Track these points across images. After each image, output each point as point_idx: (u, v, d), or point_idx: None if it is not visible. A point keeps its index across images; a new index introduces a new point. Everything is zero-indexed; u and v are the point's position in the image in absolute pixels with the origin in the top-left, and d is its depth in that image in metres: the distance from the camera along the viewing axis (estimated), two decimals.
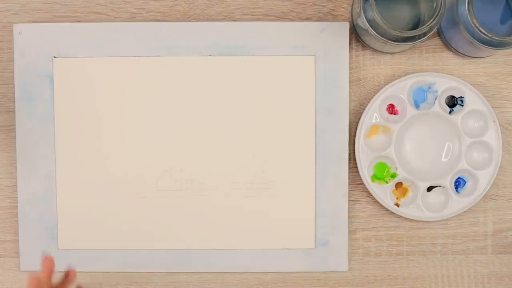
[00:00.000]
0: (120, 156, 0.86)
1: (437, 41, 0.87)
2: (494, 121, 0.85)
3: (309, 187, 0.85)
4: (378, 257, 0.87)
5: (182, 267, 0.86)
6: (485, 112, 0.85)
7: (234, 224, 0.86)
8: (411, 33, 0.77)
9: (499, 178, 0.87)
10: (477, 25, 0.76)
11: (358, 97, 0.87)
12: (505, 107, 0.87)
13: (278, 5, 0.87)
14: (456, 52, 0.86)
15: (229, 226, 0.86)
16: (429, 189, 0.86)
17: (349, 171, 0.86)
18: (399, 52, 0.86)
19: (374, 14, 0.75)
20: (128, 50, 0.85)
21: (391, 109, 0.86)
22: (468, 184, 0.86)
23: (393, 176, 0.85)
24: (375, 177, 0.85)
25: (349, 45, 0.86)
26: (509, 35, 0.77)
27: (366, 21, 0.77)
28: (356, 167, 0.85)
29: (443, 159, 0.86)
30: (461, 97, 0.85)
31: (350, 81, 0.86)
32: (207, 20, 0.87)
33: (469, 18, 0.76)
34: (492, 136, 0.85)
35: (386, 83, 0.86)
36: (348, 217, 0.86)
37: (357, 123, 0.85)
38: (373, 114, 0.85)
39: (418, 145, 0.86)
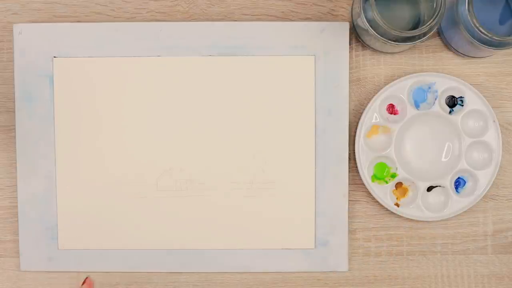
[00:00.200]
0: (120, 156, 0.86)
1: (437, 41, 0.87)
2: (494, 121, 0.85)
3: (309, 187, 0.85)
4: (378, 257, 0.87)
5: (182, 267, 0.86)
6: (485, 112, 0.85)
7: (234, 224, 0.86)
8: (411, 33, 0.77)
9: (499, 178, 0.87)
10: (477, 25, 0.76)
11: (358, 97, 0.87)
12: (505, 107, 0.87)
13: (278, 5, 0.87)
14: (456, 52, 0.86)
15: (229, 226, 0.86)
16: (429, 189, 0.86)
17: (349, 171, 0.86)
18: (399, 52, 0.86)
19: (374, 14, 0.75)
20: (128, 50, 0.85)
21: (391, 109, 0.86)
22: (468, 184, 0.86)
23: (393, 176, 0.85)
24: (375, 177, 0.85)
25: (349, 45, 0.86)
26: (509, 35, 0.77)
27: (366, 21, 0.77)
28: (356, 167, 0.85)
29: (443, 159, 0.86)
30: (461, 97, 0.85)
31: (350, 81, 0.86)
32: (207, 20, 0.87)
33: (469, 18, 0.76)
34: (492, 136, 0.85)
35: (386, 83, 0.86)
36: (348, 217, 0.86)
37: (357, 123, 0.85)
38: (373, 114, 0.85)
39: (418, 145, 0.86)
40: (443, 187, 0.85)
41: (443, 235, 0.87)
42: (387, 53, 0.86)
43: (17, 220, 0.86)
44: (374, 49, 0.86)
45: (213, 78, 0.85)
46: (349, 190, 0.86)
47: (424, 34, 0.78)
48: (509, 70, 0.87)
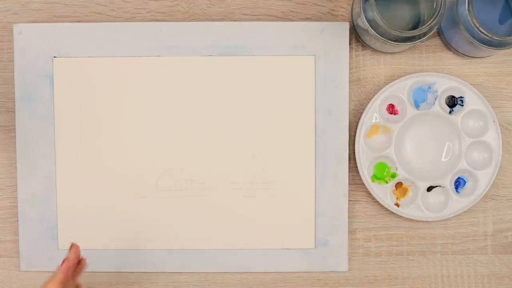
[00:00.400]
0: (120, 156, 0.86)
1: (437, 41, 0.87)
2: (494, 121, 0.85)
3: (309, 187, 0.85)
4: (378, 257, 0.87)
5: (182, 267, 0.86)
6: (485, 112, 0.85)
7: (234, 224, 0.86)
8: (411, 33, 0.77)
9: (499, 178, 0.87)
10: (477, 25, 0.76)
11: (358, 97, 0.87)
12: (505, 107, 0.87)
13: (278, 5, 0.87)
14: (456, 52, 0.86)
15: (229, 226, 0.86)
16: (429, 189, 0.86)
17: (349, 171, 0.86)
18: (399, 52, 0.86)
19: (374, 14, 0.75)
20: (128, 50, 0.85)
21: (391, 109, 0.86)
22: (468, 184, 0.86)
23: (393, 176, 0.85)
24: (375, 177, 0.85)
25: (349, 45, 0.86)
26: (509, 35, 0.77)
27: (366, 21, 0.77)
28: (356, 167, 0.85)
29: (443, 159, 0.86)
30: (461, 97, 0.85)
31: (350, 81, 0.86)
32: (207, 20, 0.87)
33: (469, 18, 0.76)
34: (492, 136, 0.85)
35: (386, 83, 0.86)
36: (348, 217, 0.86)
37: (357, 123, 0.85)
38: (373, 114, 0.85)
39: (418, 145, 0.86)
40: (443, 187, 0.85)
41: (443, 235, 0.87)
42: (387, 53, 0.86)
43: (17, 220, 0.86)
44: (374, 49, 0.86)
45: (213, 78, 0.85)
46: (349, 190, 0.86)
47: (424, 34, 0.78)
48: (509, 70, 0.87)
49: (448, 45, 0.86)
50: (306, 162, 0.85)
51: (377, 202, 0.86)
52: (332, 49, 0.85)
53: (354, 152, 0.85)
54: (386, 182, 0.85)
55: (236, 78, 0.85)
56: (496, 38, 0.76)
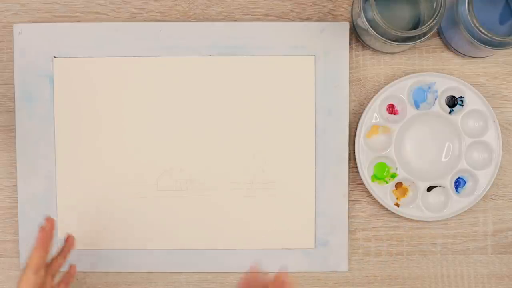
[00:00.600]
0: (120, 156, 0.86)
1: (437, 41, 0.87)
2: (494, 121, 0.85)
3: (309, 187, 0.85)
4: (378, 257, 0.87)
5: (182, 267, 0.86)
6: (485, 112, 0.85)
7: (234, 224, 0.86)
8: (411, 33, 0.77)
9: (499, 178, 0.87)
10: (477, 25, 0.76)
11: (358, 97, 0.87)
12: (505, 107, 0.87)
13: (278, 5, 0.87)
14: (456, 52, 0.86)
15: (229, 226, 0.86)
16: (429, 189, 0.86)
17: (349, 171, 0.86)
18: (399, 52, 0.86)
19: (374, 14, 0.75)
20: (128, 50, 0.85)
21: (391, 109, 0.86)
22: (468, 184, 0.86)
23: (393, 176, 0.85)
24: (375, 177, 0.85)
25: (349, 45, 0.86)
26: (509, 35, 0.77)
27: (366, 21, 0.77)
28: (356, 167, 0.85)
29: (443, 159, 0.86)
30: (461, 97, 0.85)
31: (350, 81, 0.86)
32: (207, 20, 0.87)
33: (469, 18, 0.76)
34: (492, 136, 0.85)
35: (386, 83, 0.86)
36: (348, 217, 0.86)
37: (357, 123, 0.85)
38: (373, 114, 0.85)
39: (418, 145, 0.86)
40: (443, 187, 0.85)
41: (443, 235, 0.87)
42: (387, 53, 0.86)
43: (17, 220, 0.86)
44: (374, 49, 0.86)
45: (213, 78, 0.85)
46: (349, 190, 0.86)
47: (424, 34, 0.78)
48: (509, 70, 0.87)
49: (448, 45, 0.86)
50: (306, 162, 0.85)
51: (377, 202, 0.86)
52: (332, 49, 0.85)
53: (354, 152, 0.85)
54: (386, 182, 0.85)
55: (236, 78, 0.85)
56: (496, 38, 0.76)
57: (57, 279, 0.78)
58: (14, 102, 0.86)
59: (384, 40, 0.78)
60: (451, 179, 0.85)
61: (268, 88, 0.85)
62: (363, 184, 0.85)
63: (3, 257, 0.87)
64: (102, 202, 0.86)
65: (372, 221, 0.87)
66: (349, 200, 0.86)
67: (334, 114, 0.85)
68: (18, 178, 0.86)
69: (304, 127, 0.85)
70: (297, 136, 0.85)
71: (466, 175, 0.86)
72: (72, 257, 0.85)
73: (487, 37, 0.76)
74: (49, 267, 0.77)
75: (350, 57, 0.86)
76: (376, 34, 0.78)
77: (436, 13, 0.76)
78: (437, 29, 0.85)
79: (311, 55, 0.85)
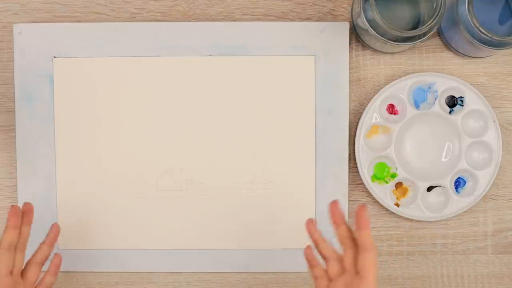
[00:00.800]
0: (120, 156, 0.86)
1: (437, 41, 0.87)
2: (494, 121, 0.85)
3: (309, 187, 0.85)
4: (378, 257, 0.87)
5: (182, 267, 0.86)
6: (485, 112, 0.85)
7: (234, 224, 0.86)
8: (411, 33, 0.77)
9: (499, 178, 0.87)
10: (477, 25, 0.76)
11: (358, 97, 0.87)
12: (505, 107, 0.87)
13: (278, 5, 0.87)
14: (456, 52, 0.86)
15: (229, 226, 0.86)
16: (429, 189, 0.86)
17: (349, 171, 0.86)
18: (399, 52, 0.86)
19: (374, 14, 0.75)
20: (128, 50, 0.85)
21: (391, 109, 0.86)
22: (468, 184, 0.86)
23: (393, 176, 0.85)
24: (375, 177, 0.85)
25: (349, 45, 0.86)
26: (509, 35, 0.77)
27: (366, 21, 0.77)
28: (356, 167, 0.85)
29: (443, 159, 0.86)
30: (461, 97, 0.85)
31: (350, 81, 0.86)
32: (207, 20, 0.87)
33: (469, 18, 0.76)
34: (492, 136, 0.85)
35: (386, 83, 0.86)
36: (348, 217, 0.86)
37: (357, 123, 0.85)
38: (373, 114, 0.85)
39: (418, 145, 0.86)
40: (443, 187, 0.85)
41: (443, 235, 0.87)
42: (387, 53, 0.86)
43: None
44: (374, 49, 0.86)
45: (213, 78, 0.85)
46: (349, 190, 0.86)
47: (424, 34, 0.78)
48: (509, 70, 0.87)
49: (448, 45, 0.86)
50: (306, 162, 0.85)
51: (377, 202, 0.86)
52: (332, 49, 0.85)
53: (354, 152, 0.85)
54: (386, 182, 0.85)
55: (236, 78, 0.85)
56: (496, 38, 0.76)
57: (44, 268, 0.79)
58: (14, 102, 0.86)
59: (384, 40, 0.78)
60: (451, 179, 0.85)
61: (268, 88, 0.85)
62: (363, 184, 0.85)
63: None
64: (102, 202, 0.86)
65: (372, 221, 0.87)
66: (349, 200, 0.86)
67: (334, 114, 0.85)
68: (18, 178, 0.86)
69: (304, 127, 0.85)
70: (297, 136, 0.85)
71: (466, 175, 0.86)
72: (72, 257, 0.86)
73: (487, 37, 0.76)
74: (34, 256, 0.77)
75: (350, 57, 0.86)
76: (376, 34, 0.78)
77: (436, 13, 0.76)
78: (437, 29, 0.85)
79: (311, 55, 0.85)
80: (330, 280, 0.71)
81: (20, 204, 0.85)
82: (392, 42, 0.78)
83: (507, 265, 0.87)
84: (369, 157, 0.85)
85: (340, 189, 0.85)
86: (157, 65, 0.85)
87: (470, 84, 0.85)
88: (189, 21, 0.87)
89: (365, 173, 0.85)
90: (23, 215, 0.76)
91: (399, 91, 0.85)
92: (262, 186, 0.86)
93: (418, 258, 0.87)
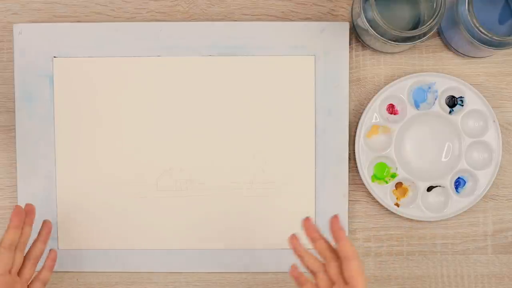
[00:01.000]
0: (120, 156, 0.86)
1: (437, 41, 0.87)
2: (494, 121, 0.85)
3: (309, 187, 0.85)
4: (378, 257, 0.87)
5: (182, 267, 0.86)
6: (485, 112, 0.85)
7: (234, 224, 0.86)
8: (411, 33, 0.77)
9: (499, 178, 0.87)
10: (477, 25, 0.76)
11: (358, 97, 0.87)
12: (505, 107, 0.87)
13: (278, 5, 0.87)
14: (456, 52, 0.86)
15: (229, 226, 0.86)
16: (429, 189, 0.86)
17: (349, 171, 0.86)
18: (399, 52, 0.86)
19: (374, 14, 0.75)
20: (128, 50, 0.85)
21: (391, 109, 0.86)
22: (468, 184, 0.86)
23: (393, 176, 0.85)
24: (375, 177, 0.85)
25: (349, 45, 0.86)
26: (509, 35, 0.77)
27: (366, 21, 0.77)
28: (356, 167, 0.85)
29: (443, 159, 0.86)
30: (461, 97, 0.85)
31: (350, 81, 0.86)
32: (207, 20, 0.87)
33: (469, 18, 0.76)
34: (492, 136, 0.85)
35: (386, 83, 0.86)
36: (348, 217, 0.86)
37: (357, 123, 0.85)
38: (373, 114, 0.85)
39: (418, 145, 0.86)
40: (443, 187, 0.85)
41: (443, 235, 0.87)
42: (387, 53, 0.86)
43: None
44: (374, 49, 0.86)
45: (213, 78, 0.85)
46: (349, 190, 0.86)
47: (424, 34, 0.78)
48: (509, 70, 0.87)
49: (448, 45, 0.86)
50: (306, 162, 0.85)
51: (377, 202, 0.86)
52: (332, 49, 0.85)
53: (354, 152, 0.85)
54: (386, 182, 0.85)
55: (236, 78, 0.85)
56: (496, 38, 0.76)
57: (39, 265, 0.79)
58: (14, 102, 0.86)
59: (384, 40, 0.78)
60: (451, 179, 0.85)
61: (268, 88, 0.85)
62: (363, 184, 0.85)
63: None
64: (102, 202, 0.86)
65: (372, 221, 0.87)
66: (349, 200, 0.86)
67: (334, 114, 0.85)
68: (18, 178, 0.86)
69: (304, 127, 0.85)
70: (297, 136, 0.85)
71: (466, 175, 0.86)
72: (72, 257, 0.86)
73: (487, 37, 0.76)
74: (29, 253, 0.78)
75: (350, 57, 0.86)
76: (376, 34, 0.78)
77: (436, 13, 0.76)
78: (437, 29, 0.85)
79: (311, 55, 0.85)
80: None
81: (20, 204, 0.85)
82: (392, 42, 0.78)
83: (507, 265, 0.87)
84: (369, 157, 0.85)
85: (340, 189, 0.85)
86: (157, 65, 0.85)
87: (470, 84, 0.85)
88: (189, 21, 0.87)
89: (365, 173, 0.85)
90: (25, 215, 0.76)
91: (399, 91, 0.85)
92: (262, 186, 0.86)
93: (418, 258, 0.87)
